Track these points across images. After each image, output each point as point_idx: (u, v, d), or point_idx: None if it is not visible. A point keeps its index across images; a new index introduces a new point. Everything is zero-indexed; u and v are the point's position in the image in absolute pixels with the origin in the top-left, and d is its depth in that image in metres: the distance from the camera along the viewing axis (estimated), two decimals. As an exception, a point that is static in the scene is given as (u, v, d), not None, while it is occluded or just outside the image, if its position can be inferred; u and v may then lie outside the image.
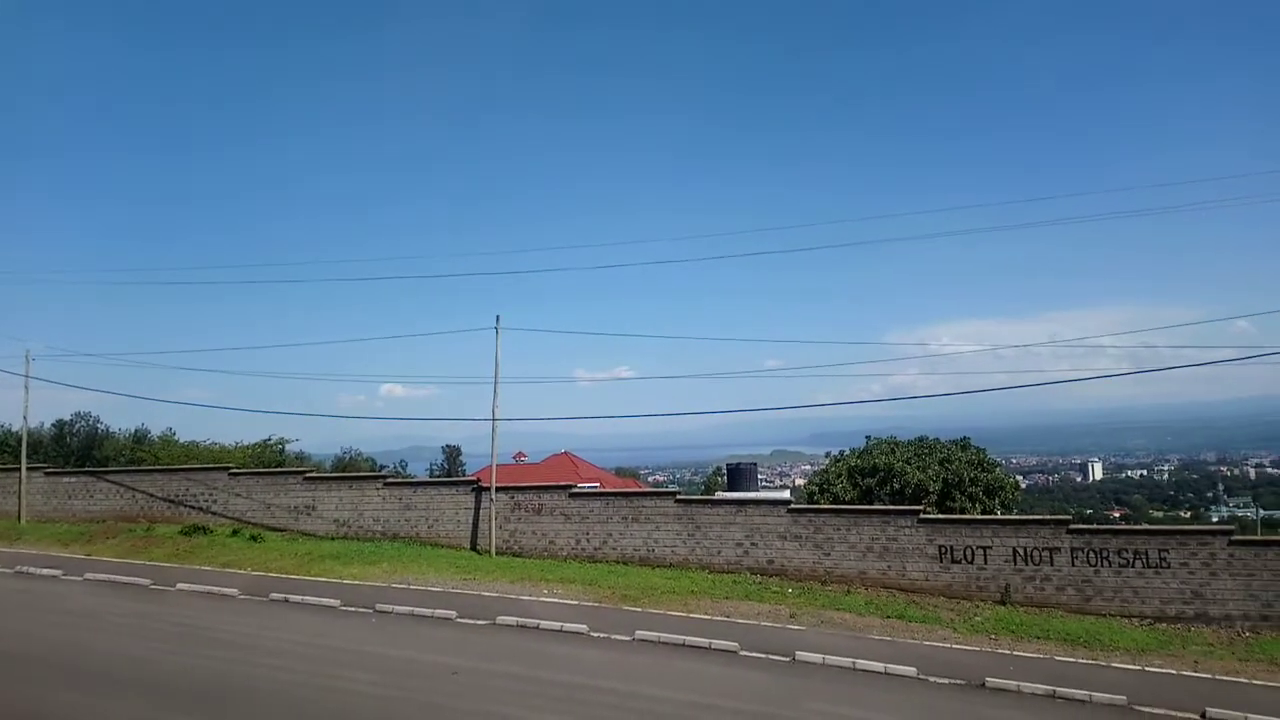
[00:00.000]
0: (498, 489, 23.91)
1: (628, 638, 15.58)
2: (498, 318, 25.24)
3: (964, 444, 32.00)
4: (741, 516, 22.18)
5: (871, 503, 27.61)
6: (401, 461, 64.08)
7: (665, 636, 15.60)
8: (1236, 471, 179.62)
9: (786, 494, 30.08)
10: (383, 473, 31.78)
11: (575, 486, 25.12)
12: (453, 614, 17.01)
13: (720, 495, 25.70)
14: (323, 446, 51.56)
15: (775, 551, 21.68)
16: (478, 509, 24.29)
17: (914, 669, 13.88)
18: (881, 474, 29.92)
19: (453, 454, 61.19)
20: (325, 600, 18.04)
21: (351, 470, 37.88)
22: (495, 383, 24.79)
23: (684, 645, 15.26)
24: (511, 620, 16.55)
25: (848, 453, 33.44)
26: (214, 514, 26.64)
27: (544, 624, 16.35)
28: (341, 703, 11.79)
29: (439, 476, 49.70)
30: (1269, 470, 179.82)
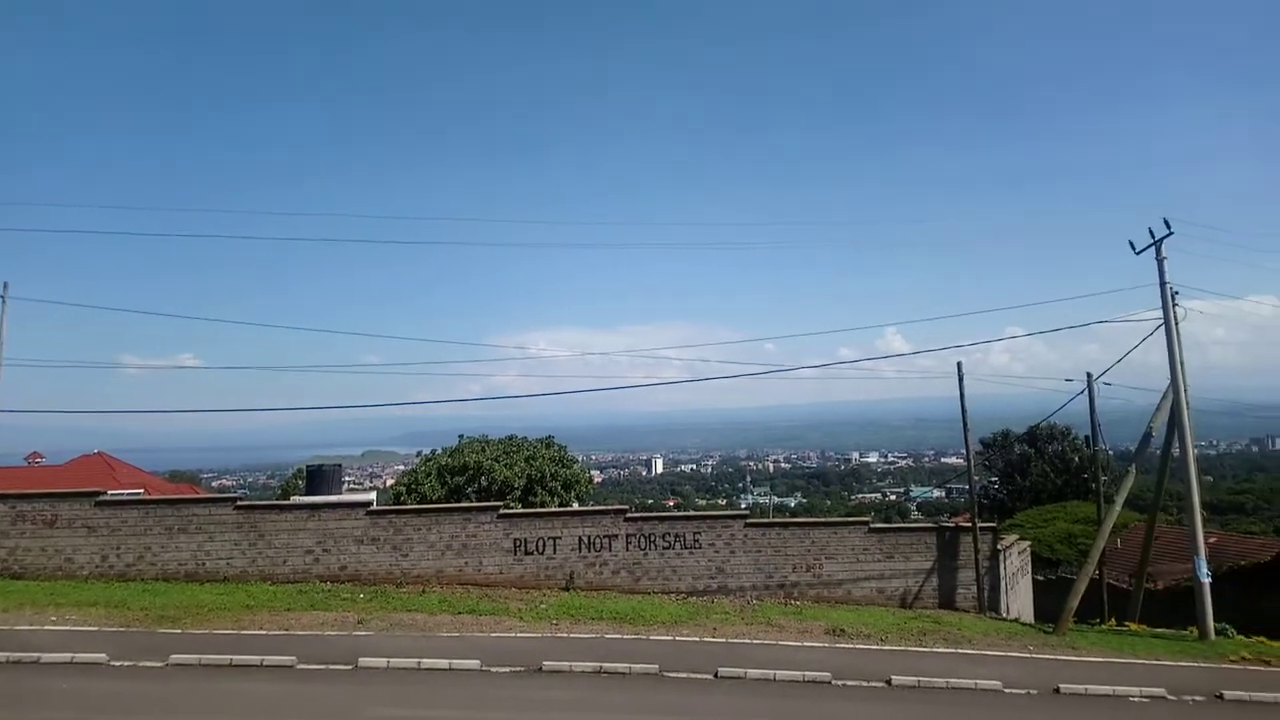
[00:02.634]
0: (-8, 498, 19.24)
1: (160, 664, 13.47)
2: (4, 284, 20.38)
3: (548, 442, 33.90)
4: (314, 522, 20.75)
5: (460, 501, 27.81)
6: None
7: (208, 658, 13.81)
8: (761, 465, 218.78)
9: (372, 496, 28.94)
10: None
11: (105, 493, 21.22)
12: (-94, 659, 13.17)
13: (294, 500, 23.76)
14: None
15: (350, 557, 20.66)
16: (-40, 524, 19.28)
17: (478, 661, 14.13)
18: (471, 472, 30.37)
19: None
20: None
21: None
22: (-3, 366, 19.98)
23: (230, 665, 13.67)
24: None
25: (439, 452, 33.36)
26: None
27: (46, 657, 13.43)
28: None
29: (-89, 484, 38.69)
30: (783, 465, 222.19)
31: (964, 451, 24.69)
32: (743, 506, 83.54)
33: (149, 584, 19.23)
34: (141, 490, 32.00)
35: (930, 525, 24.73)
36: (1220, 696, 14.28)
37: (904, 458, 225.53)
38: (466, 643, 15.56)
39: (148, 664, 13.47)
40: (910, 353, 32.86)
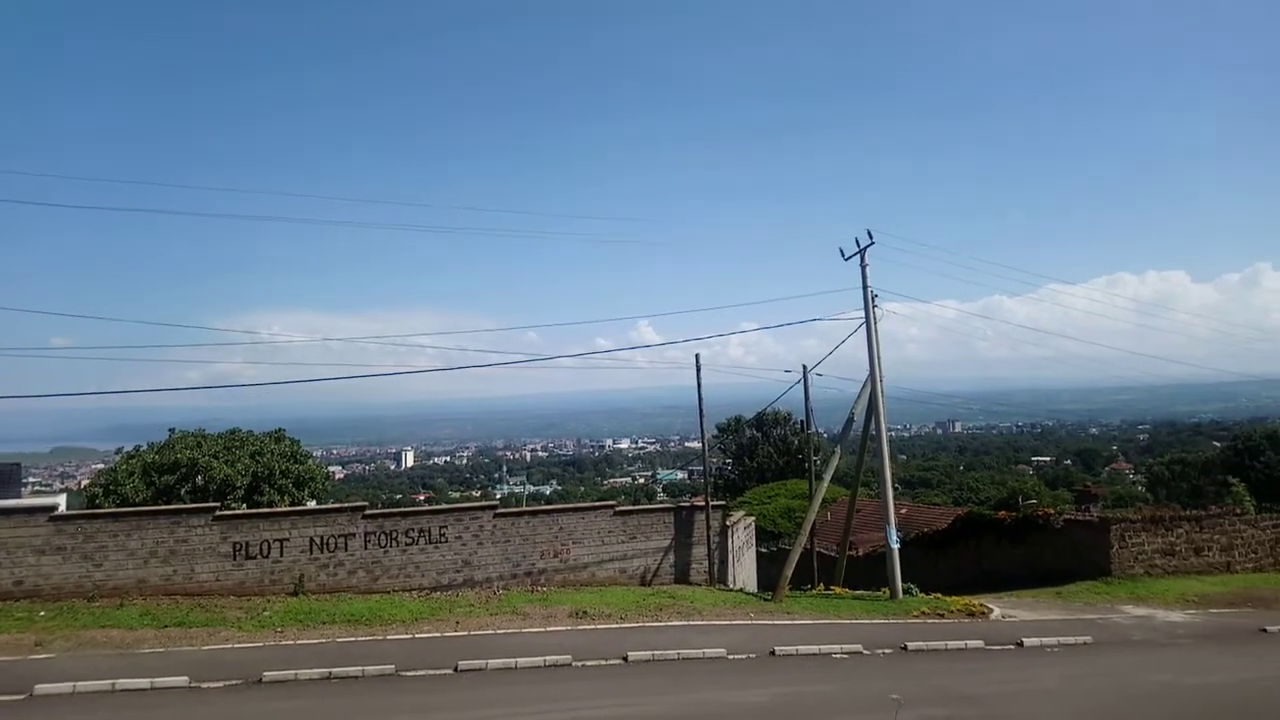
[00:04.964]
0: None
1: None
2: None
3: (278, 436, 31.29)
4: (-21, 531, 17.61)
5: (170, 502, 24.87)
6: None
7: None
8: (518, 455, 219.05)
9: (61, 499, 25.04)
10: None
11: None
12: None
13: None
14: None
15: (29, 570, 17.85)
16: None
17: (186, 678, 12.76)
18: (184, 470, 27.25)
19: None
20: None
21: None
22: None
23: None
24: None
25: (145, 448, 29.61)
26: None
27: None
28: None
29: None
30: (540, 454, 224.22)
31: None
32: (497, 497, 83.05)
33: None
34: None
35: (669, 506, 26.04)
36: (905, 648, 16.42)
37: (653, 443, 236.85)
38: (173, 658, 14.02)
39: None
40: (659, 344, 34.66)
